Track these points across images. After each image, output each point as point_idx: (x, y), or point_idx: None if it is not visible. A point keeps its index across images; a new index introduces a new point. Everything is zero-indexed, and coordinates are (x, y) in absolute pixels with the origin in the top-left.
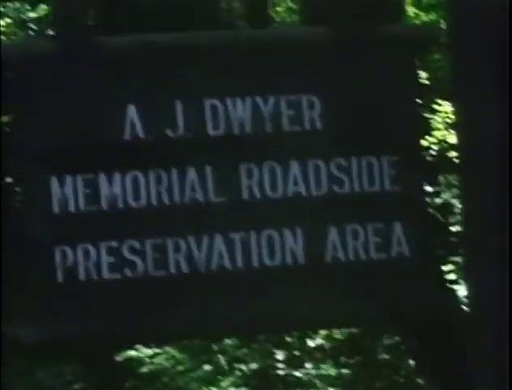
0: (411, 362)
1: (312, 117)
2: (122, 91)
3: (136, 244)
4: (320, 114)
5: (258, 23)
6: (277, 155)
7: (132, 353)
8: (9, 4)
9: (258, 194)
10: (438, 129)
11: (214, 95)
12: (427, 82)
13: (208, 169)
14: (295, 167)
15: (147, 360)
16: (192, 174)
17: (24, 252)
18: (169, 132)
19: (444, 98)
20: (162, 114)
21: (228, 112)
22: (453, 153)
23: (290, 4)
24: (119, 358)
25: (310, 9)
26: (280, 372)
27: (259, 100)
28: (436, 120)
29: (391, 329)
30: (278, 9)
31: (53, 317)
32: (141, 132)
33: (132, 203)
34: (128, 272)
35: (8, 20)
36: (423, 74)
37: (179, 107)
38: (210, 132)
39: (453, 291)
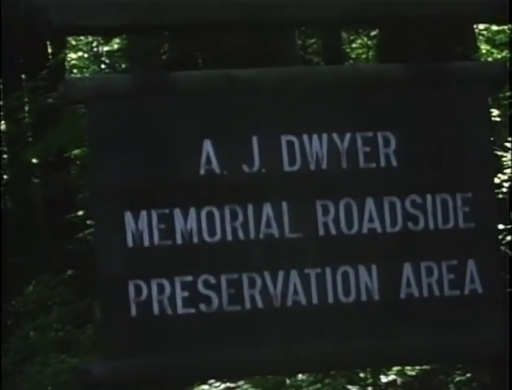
0: None
1: (387, 154)
2: (198, 126)
3: (211, 279)
4: (395, 151)
5: (333, 59)
6: (353, 192)
7: (205, 387)
8: (81, 37)
9: (333, 230)
10: (509, 167)
11: (291, 131)
12: (498, 119)
13: (284, 205)
14: (370, 204)
15: None
16: (267, 209)
17: (98, 286)
18: (245, 168)
19: None
20: (238, 150)
21: (305, 148)
22: None
23: (365, 40)
24: None
25: (385, 46)
26: None
27: (335, 136)
28: (508, 158)
29: (463, 365)
30: (353, 45)
31: (126, 351)
32: (216, 168)
33: (207, 238)
34: (202, 307)
35: (80, 53)
36: (494, 111)
37: (255, 143)
38: (286, 168)
39: None
